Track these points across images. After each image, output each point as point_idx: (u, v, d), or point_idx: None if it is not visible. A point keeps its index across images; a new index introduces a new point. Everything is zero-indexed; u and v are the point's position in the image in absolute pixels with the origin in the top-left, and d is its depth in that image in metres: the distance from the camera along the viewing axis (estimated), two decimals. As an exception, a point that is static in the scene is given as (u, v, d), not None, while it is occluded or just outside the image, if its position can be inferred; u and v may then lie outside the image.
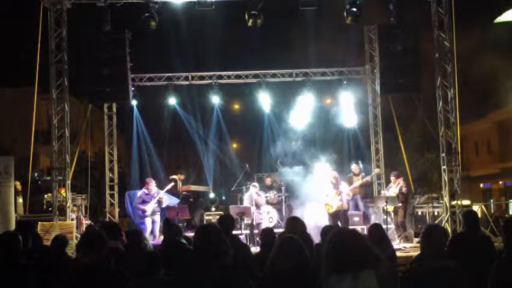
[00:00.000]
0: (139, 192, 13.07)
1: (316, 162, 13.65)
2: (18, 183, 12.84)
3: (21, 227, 8.23)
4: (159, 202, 12.77)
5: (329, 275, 3.48)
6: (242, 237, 11.59)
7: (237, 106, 21.11)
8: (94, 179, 17.66)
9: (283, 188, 14.01)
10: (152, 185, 12.89)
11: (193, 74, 15.45)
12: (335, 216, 12.19)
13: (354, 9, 12.21)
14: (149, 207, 12.64)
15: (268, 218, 12.99)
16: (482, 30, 21.10)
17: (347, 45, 16.84)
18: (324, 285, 3.53)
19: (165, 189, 13.17)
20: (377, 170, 14.57)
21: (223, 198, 19.27)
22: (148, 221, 12.64)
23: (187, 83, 15.43)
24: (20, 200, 13.08)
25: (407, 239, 12.35)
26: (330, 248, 3.56)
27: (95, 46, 12.39)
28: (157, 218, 12.78)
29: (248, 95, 16.19)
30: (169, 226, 6.98)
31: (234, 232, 7.26)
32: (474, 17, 19.85)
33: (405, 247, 11.60)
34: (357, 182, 13.29)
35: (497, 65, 21.48)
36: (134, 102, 15.11)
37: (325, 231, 6.04)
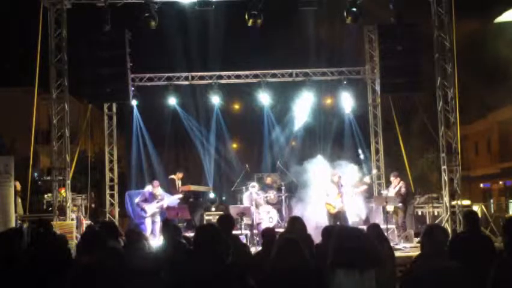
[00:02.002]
0: (143, 191, 13.16)
1: (317, 161, 13.64)
2: (17, 183, 12.84)
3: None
4: (161, 207, 12.82)
5: (335, 269, 3.52)
6: (242, 237, 11.57)
7: (237, 106, 21.08)
8: (94, 179, 17.65)
9: (283, 188, 14.01)
10: (158, 188, 12.95)
11: (193, 74, 15.44)
12: (335, 216, 12.17)
13: (354, 9, 12.21)
14: (150, 208, 12.66)
15: (268, 218, 12.99)
16: (482, 30, 21.11)
17: (347, 45, 16.84)
18: (328, 279, 3.56)
19: (170, 200, 13.16)
20: (374, 171, 14.61)
21: (223, 198, 19.24)
22: (147, 221, 12.68)
23: (187, 83, 15.42)
24: (20, 200, 13.07)
25: (407, 239, 12.35)
26: (339, 243, 3.59)
27: (95, 46, 12.37)
28: (157, 218, 12.81)
29: (248, 95, 16.19)
30: (168, 226, 6.97)
31: (234, 232, 7.24)
32: (474, 17, 19.85)
33: (405, 247, 11.60)
34: (362, 187, 13.34)
35: (497, 64, 21.49)
36: (134, 102, 15.10)
37: (326, 232, 6.03)
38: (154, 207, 12.73)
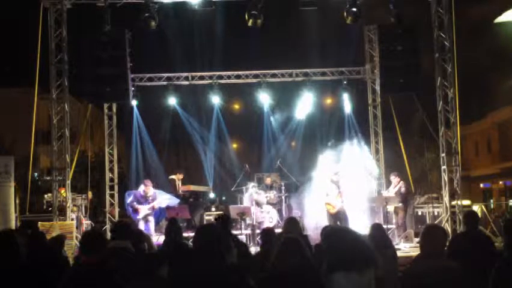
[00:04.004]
0: (135, 192, 13.03)
1: (317, 161, 13.62)
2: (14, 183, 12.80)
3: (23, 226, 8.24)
4: (152, 208, 12.70)
5: (334, 272, 3.52)
6: (242, 237, 11.57)
7: (237, 106, 21.07)
8: (94, 179, 17.65)
9: (283, 188, 14.00)
10: (150, 187, 12.79)
11: (193, 74, 15.43)
12: (335, 216, 12.16)
13: (354, 9, 12.22)
14: (143, 210, 12.57)
15: (268, 217, 12.99)
16: (482, 30, 21.11)
17: (347, 45, 16.84)
18: (325, 281, 3.56)
19: (161, 201, 13.03)
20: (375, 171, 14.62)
21: (223, 198, 19.25)
22: (140, 223, 12.49)
23: (187, 83, 15.41)
24: (17, 201, 13.04)
25: (407, 239, 12.35)
26: (332, 246, 3.59)
27: (95, 46, 12.35)
28: (150, 217, 12.69)
29: (248, 95, 16.19)
30: (174, 226, 6.94)
31: (235, 232, 7.25)
32: (474, 17, 19.87)
33: (405, 247, 11.60)
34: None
35: (496, 64, 21.48)
36: (134, 102, 15.08)
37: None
38: (145, 208, 12.56)
